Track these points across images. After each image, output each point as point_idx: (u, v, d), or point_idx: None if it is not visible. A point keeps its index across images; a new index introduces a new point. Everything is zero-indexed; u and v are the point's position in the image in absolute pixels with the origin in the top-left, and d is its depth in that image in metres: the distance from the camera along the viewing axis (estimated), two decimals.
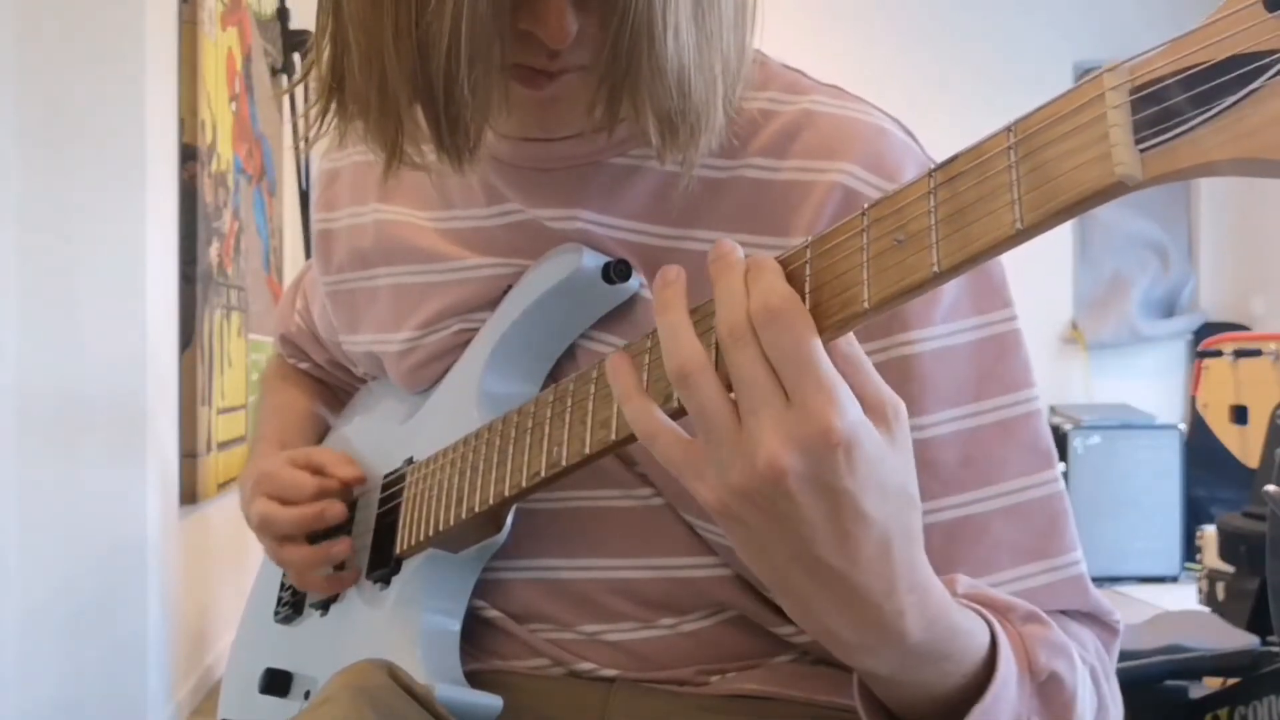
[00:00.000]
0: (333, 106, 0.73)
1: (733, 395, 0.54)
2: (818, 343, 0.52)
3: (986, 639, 0.61)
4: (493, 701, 0.77)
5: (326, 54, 0.72)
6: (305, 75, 0.77)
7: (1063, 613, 0.74)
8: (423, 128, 0.69)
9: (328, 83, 0.73)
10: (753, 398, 0.52)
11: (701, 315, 0.58)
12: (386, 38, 0.66)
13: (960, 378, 0.73)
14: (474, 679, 0.81)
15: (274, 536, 0.90)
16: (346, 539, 0.89)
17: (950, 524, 0.72)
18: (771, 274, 0.54)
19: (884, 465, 0.53)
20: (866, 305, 0.52)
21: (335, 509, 0.88)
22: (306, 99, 0.78)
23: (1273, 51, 0.40)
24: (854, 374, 0.54)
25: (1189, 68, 0.42)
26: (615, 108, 0.67)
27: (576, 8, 0.66)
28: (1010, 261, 0.75)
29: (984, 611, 0.63)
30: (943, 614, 0.58)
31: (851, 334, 0.55)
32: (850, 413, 0.51)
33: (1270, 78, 0.40)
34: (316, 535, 0.90)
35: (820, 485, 0.52)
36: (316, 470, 0.91)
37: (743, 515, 0.54)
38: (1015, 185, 0.47)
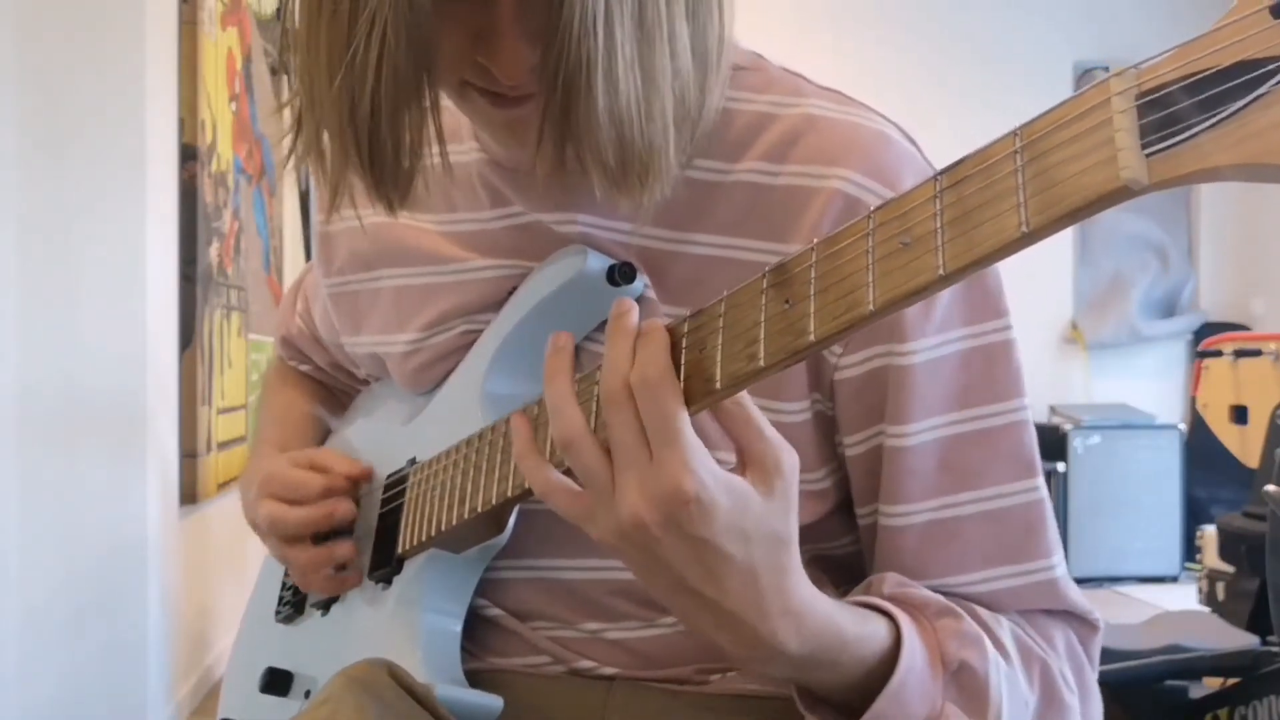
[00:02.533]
0: (299, 144, 0.74)
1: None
2: (682, 412, 0.59)
3: (888, 638, 0.68)
4: (492, 702, 0.77)
5: (292, 94, 0.74)
6: (281, 108, 0.79)
7: (1043, 612, 0.77)
8: (358, 175, 0.72)
9: (293, 122, 0.74)
10: (623, 456, 0.60)
11: (587, 382, 0.65)
12: (322, 88, 0.68)
13: (946, 387, 0.75)
14: (474, 678, 0.81)
15: (281, 537, 0.90)
16: (349, 541, 0.89)
17: (925, 525, 0.75)
18: (655, 345, 0.61)
19: (747, 513, 0.60)
20: (872, 308, 0.53)
21: (344, 507, 0.88)
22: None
23: (1279, 58, 0.40)
24: (741, 430, 0.60)
25: (1195, 73, 0.42)
26: (560, 156, 0.68)
27: (530, 42, 0.66)
28: (1010, 261, 0.75)
29: (892, 610, 0.69)
30: (826, 629, 0.64)
31: (745, 391, 0.60)
32: (701, 473, 0.58)
33: (1276, 83, 0.40)
34: (320, 536, 0.90)
35: (678, 533, 0.59)
36: (320, 469, 0.91)
37: (625, 553, 0.62)
38: (1021, 189, 0.47)
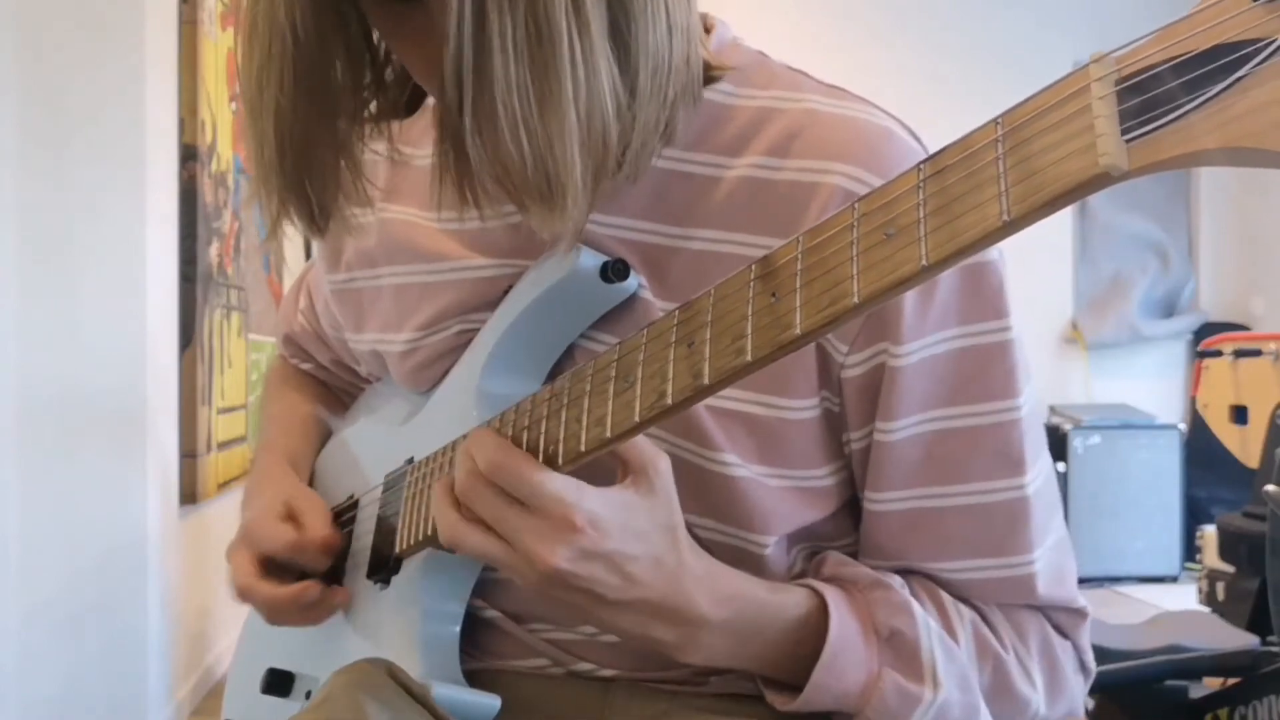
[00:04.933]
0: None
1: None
2: (536, 468, 0.67)
3: (807, 605, 0.73)
4: (490, 701, 0.77)
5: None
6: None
7: (1022, 605, 0.79)
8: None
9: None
10: (507, 527, 0.68)
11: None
12: (246, 111, 0.71)
13: (936, 384, 0.75)
14: (473, 678, 0.81)
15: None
16: (316, 584, 0.89)
17: (904, 513, 0.77)
18: (488, 440, 0.70)
19: (634, 516, 0.68)
20: (856, 300, 0.53)
21: (311, 591, 0.88)
22: None
23: (1258, 40, 0.40)
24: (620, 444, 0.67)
25: (1175, 57, 0.42)
26: (461, 182, 0.68)
27: None
28: (1010, 261, 0.75)
29: (815, 584, 0.74)
30: (737, 591, 0.72)
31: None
32: (579, 500, 0.66)
33: (1255, 65, 0.40)
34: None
35: (586, 556, 0.66)
36: (299, 526, 0.91)
37: (559, 597, 0.69)
38: (1002, 177, 0.47)
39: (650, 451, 0.69)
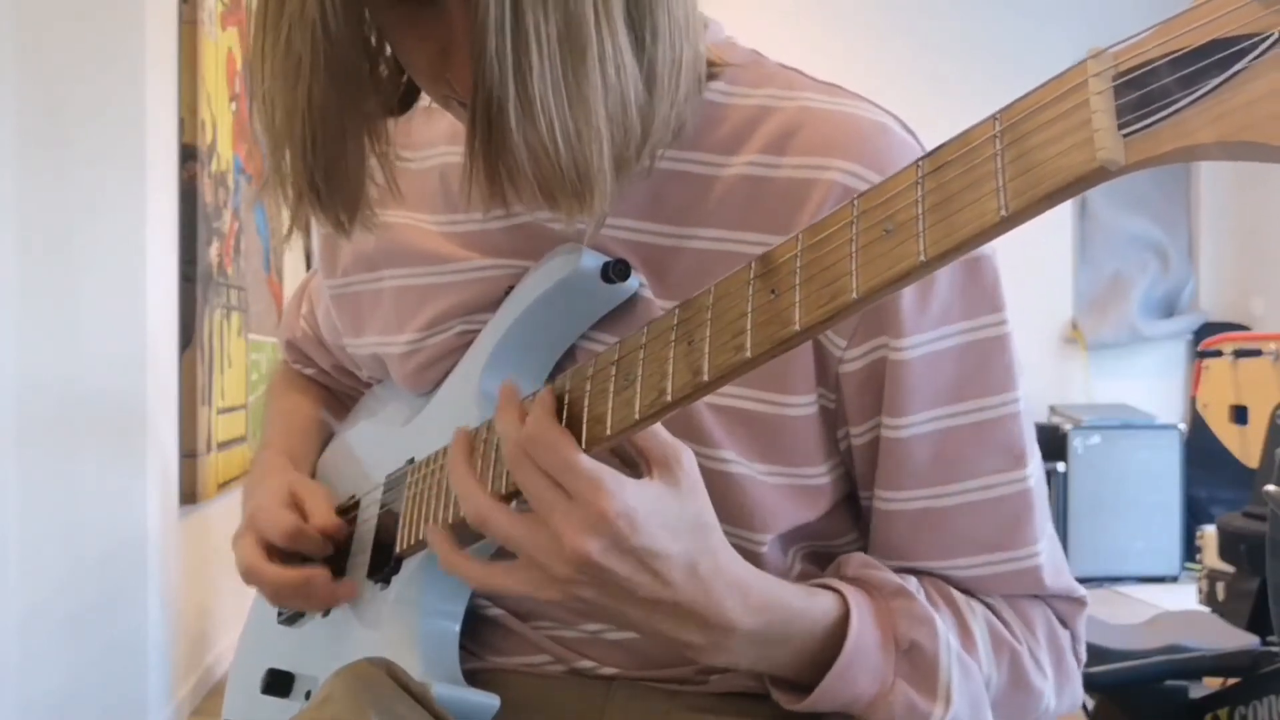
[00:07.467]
0: (266, 166, 0.75)
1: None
2: (575, 451, 0.65)
3: (836, 612, 0.72)
4: (490, 700, 0.77)
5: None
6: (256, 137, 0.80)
7: (1027, 595, 0.80)
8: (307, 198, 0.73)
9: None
10: (542, 505, 0.66)
11: (489, 442, 0.73)
12: (270, 115, 0.70)
13: (942, 381, 0.75)
14: (474, 677, 0.81)
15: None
16: (323, 570, 0.89)
17: (916, 513, 0.77)
18: (539, 407, 0.67)
19: (667, 511, 0.65)
20: (855, 295, 0.53)
21: (319, 578, 0.88)
22: None
23: (1255, 34, 0.40)
24: (639, 436, 0.66)
25: (1172, 52, 0.42)
26: (492, 174, 0.67)
27: None
28: (1010, 261, 0.76)
29: (842, 588, 0.73)
30: (771, 600, 0.70)
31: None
32: (617, 491, 0.64)
33: (1252, 59, 0.40)
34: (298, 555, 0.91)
35: (619, 549, 0.64)
36: (302, 513, 0.91)
37: (582, 595, 0.67)
38: (1000, 173, 0.47)
39: (673, 444, 0.67)
